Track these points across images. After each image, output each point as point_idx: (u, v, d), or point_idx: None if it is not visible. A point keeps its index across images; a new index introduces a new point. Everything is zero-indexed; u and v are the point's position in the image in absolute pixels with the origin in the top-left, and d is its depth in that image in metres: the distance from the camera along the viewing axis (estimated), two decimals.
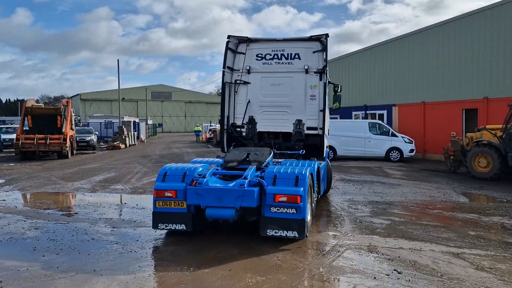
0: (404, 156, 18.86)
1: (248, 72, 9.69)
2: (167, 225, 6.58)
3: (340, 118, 24.05)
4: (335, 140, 19.38)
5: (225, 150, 9.55)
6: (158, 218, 6.60)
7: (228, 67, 9.69)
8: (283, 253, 5.88)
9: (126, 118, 43.99)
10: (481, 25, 18.58)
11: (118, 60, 41.82)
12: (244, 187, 6.16)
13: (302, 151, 9.05)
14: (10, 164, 18.88)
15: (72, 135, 24.07)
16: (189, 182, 6.49)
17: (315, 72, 9.58)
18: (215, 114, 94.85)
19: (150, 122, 61.58)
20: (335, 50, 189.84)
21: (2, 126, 38.81)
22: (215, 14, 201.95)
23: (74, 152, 24.51)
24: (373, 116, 22.93)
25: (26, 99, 23.22)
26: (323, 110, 9.43)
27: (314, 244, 6.31)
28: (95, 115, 54.24)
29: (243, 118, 9.70)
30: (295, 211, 6.09)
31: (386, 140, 19.01)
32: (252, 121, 9.63)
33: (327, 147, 10.17)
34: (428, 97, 20.60)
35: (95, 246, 6.29)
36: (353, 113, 24.30)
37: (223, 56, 9.62)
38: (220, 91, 11.08)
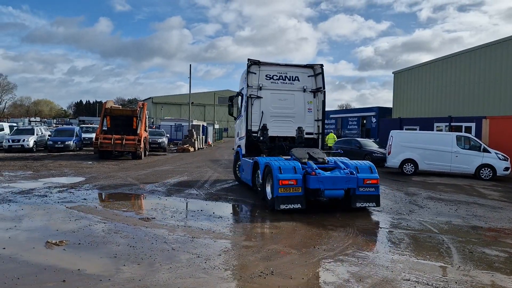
0: (497, 174, 16.88)
1: (260, 89, 12.28)
2: (287, 205, 8.78)
3: (419, 130, 22.38)
4: (416, 153, 17.95)
5: (245, 152, 12.32)
6: (281, 200, 8.75)
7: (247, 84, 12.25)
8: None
9: (195, 122, 44.91)
10: None
11: (190, 65, 42.89)
12: (350, 174, 9.15)
13: (341, 151, 13.92)
14: (89, 163, 19.61)
15: (146, 137, 24.71)
16: (308, 173, 8.99)
17: (310, 91, 12.62)
18: None
19: (216, 126, 62.63)
20: (403, 59, 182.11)
21: (83, 125, 41.26)
22: (281, 23, 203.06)
23: (147, 153, 25.12)
24: (459, 129, 20.96)
25: (105, 101, 24.19)
26: (317, 120, 12.67)
27: (421, 275, 5.36)
28: (165, 117, 56.10)
29: (259, 125, 12.20)
30: (374, 190, 9.48)
31: (476, 156, 17.14)
32: (265, 128, 12.14)
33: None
34: None
35: (176, 258, 5.85)
36: (435, 124, 22.43)
37: (246, 74, 12.27)
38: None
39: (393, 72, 33.52)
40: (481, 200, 11.95)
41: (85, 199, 10.23)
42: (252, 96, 12.23)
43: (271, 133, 12.23)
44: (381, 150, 21.42)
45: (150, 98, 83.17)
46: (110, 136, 21.84)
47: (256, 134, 12.20)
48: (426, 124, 23.00)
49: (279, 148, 12.08)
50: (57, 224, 7.62)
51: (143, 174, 15.73)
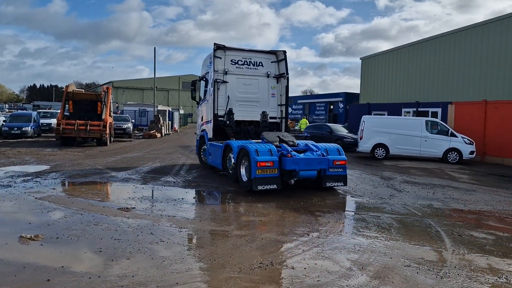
0: (464, 158, 17.46)
1: (226, 73, 12.36)
2: (264, 186, 9.08)
3: (388, 115, 22.76)
4: (387, 138, 18.23)
5: (212, 135, 12.34)
6: (258, 181, 9.04)
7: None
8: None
9: (160, 107, 43.69)
10: None
11: (154, 48, 42.27)
12: (322, 156, 9.71)
13: (308, 135, 15.28)
14: (51, 150, 18.55)
15: (111, 122, 23.70)
16: (284, 155, 9.32)
17: (274, 77, 12.92)
18: None
19: (181, 111, 61.32)
20: (363, 46, 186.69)
21: (40, 110, 39.12)
22: (244, 8, 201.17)
23: (112, 139, 24.13)
24: (426, 114, 21.48)
25: (68, 84, 22.89)
26: (281, 105, 13.04)
27: (420, 261, 5.31)
28: (128, 102, 54.24)
29: (225, 110, 12.28)
30: (342, 170, 10.08)
31: (444, 140, 17.62)
32: (231, 112, 12.25)
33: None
34: (491, 95, 19.05)
35: (168, 250, 5.50)
36: (403, 110, 22.86)
37: (212, 59, 12.27)
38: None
39: (360, 58, 33.87)
40: (454, 183, 12.26)
41: (54, 188, 9.57)
42: (218, 80, 12.26)
43: (237, 117, 12.41)
44: (351, 135, 21.65)
45: (110, 82, 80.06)
46: (73, 122, 20.74)
47: (222, 118, 12.32)
48: (394, 109, 23.42)
49: (245, 132, 12.40)
50: (29, 217, 7.02)
51: (112, 161, 15.02)
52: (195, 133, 15.03)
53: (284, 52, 12.75)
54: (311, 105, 39.79)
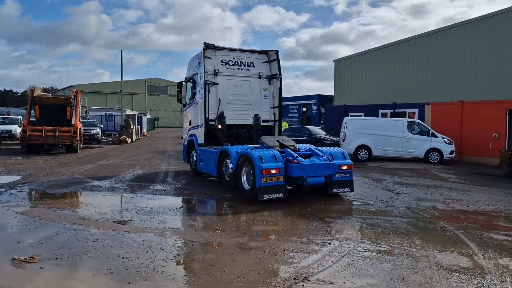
0: (444, 157, 17.71)
1: (216, 74, 11.64)
2: (270, 195, 8.38)
3: (365, 116, 22.87)
4: (370, 139, 18.24)
5: (203, 141, 11.56)
6: (264, 190, 8.32)
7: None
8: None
9: (127, 112, 42.22)
10: None
11: (121, 50, 40.50)
12: (328, 161, 9.14)
13: (306, 138, 13.81)
14: (18, 158, 17.27)
15: (80, 128, 22.47)
16: (289, 161, 8.68)
17: (265, 78, 12.29)
18: None
19: (148, 116, 59.71)
20: (323, 50, 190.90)
21: None
22: (206, 11, 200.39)
23: (81, 145, 22.88)
24: (403, 115, 21.74)
25: (33, 88, 21.50)
26: (273, 107, 12.43)
27: (457, 269, 5.03)
28: (92, 107, 52.14)
29: (217, 113, 11.59)
30: (348, 175, 9.53)
31: (425, 141, 17.82)
32: (222, 116, 11.57)
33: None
34: (467, 96, 19.49)
35: (187, 268, 4.94)
36: (380, 111, 23.04)
37: (202, 59, 11.45)
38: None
39: (334, 60, 34.10)
40: (446, 184, 12.28)
41: (34, 201, 8.72)
42: (208, 82, 11.53)
43: (228, 121, 11.72)
44: (329, 137, 21.51)
45: (71, 86, 77.01)
46: (41, 128, 19.43)
47: (213, 122, 11.61)
48: (371, 110, 23.57)
49: (237, 136, 11.79)
50: (15, 235, 6.24)
51: (89, 169, 14.07)
52: (182, 138, 14.08)
53: (277, 52, 12.17)
54: (284, 107, 39.65)
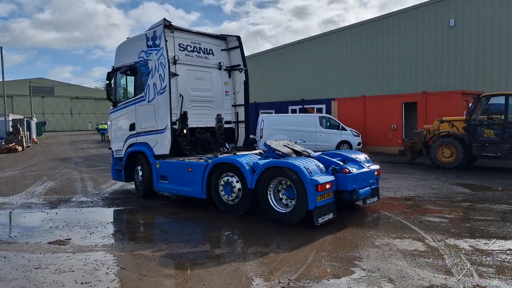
0: (353, 149, 19.05)
1: (175, 62, 9.08)
2: (324, 217, 6.68)
3: (275, 113, 23.57)
4: (286, 135, 18.72)
5: (169, 151, 8.77)
6: (319, 212, 6.58)
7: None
8: None
9: (11, 116, 37.63)
10: (419, 22, 19.67)
11: (1, 48, 35.53)
12: (370, 168, 7.76)
13: (304, 141, 11.30)
14: None
15: None
16: (337, 171, 7.03)
17: (225, 69, 10.21)
18: (106, 111, 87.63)
19: (35, 120, 54.00)
20: None
21: None
22: (89, 7, 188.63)
23: None
24: (311, 110, 22.90)
25: None
26: (235, 106, 10.45)
27: (417, 251, 5.41)
28: None
29: (180, 113, 8.99)
30: (376, 182, 8.15)
31: (336, 134, 18.96)
32: (185, 117, 9.05)
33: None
34: (369, 91, 21.18)
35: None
36: (290, 107, 23.96)
37: (161, 39, 8.70)
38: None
39: None
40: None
41: None
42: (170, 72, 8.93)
43: (191, 123, 9.26)
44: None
45: None
46: None
47: (175, 126, 8.94)
48: (281, 107, 24.35)
49: (202, 143, 9.51)
50: None
51: None
52: (110, 149, 10.74)
53: (238, 38, 10.15)
54: None
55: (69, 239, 6.37)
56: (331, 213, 6.84)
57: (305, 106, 23.36)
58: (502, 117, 12.93)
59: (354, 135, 19.20)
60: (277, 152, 7.78)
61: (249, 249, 5.81)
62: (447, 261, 5.12)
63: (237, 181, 7.50)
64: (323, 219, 6.63)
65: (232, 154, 8.39)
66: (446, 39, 20.74)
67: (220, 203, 7.84)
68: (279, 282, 4.52)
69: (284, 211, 6.88)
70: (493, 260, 5.15)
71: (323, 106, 22.46)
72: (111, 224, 7.30)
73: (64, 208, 8.72)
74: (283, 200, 6.99)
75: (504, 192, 9.70)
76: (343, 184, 6.94)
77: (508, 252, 5.42)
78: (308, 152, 7.99)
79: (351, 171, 7.13)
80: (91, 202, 9.30)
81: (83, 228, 7.03)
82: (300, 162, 6.80)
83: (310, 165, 6.80)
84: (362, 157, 8.12)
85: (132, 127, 9.64)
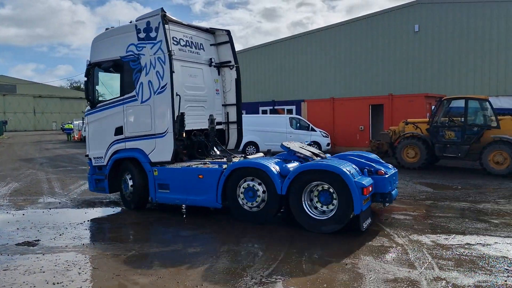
0: (322, 149, 19.43)
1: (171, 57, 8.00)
2: (366, 222, 6.50)
3: (246, 114, 23.72)
4: (257, 136, 18.97)
5: (170, 157, 7.83)
6: (364, 217, 6.38)
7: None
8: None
9: None
10: (386, 27, 20.33)
11: None
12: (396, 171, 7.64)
13: (311, 142, 10.50)
14: None
15: None
16: (372, 172, 6.81)
17: (214, 66, 9.37)
18: (71, 110, 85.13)
19: None
20: None
21: None
22: (53, 3, 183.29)
23: None
24: (282, 111, 23.22)
25: None
26: (225, 105, 9.61)
27: (382, 246, 5.68)
28: None
29: (177, 114, 7.99)
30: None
31: (305, 135, 19.24)
32: (183, 119, 8.08)
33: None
34: (337, 93, 21.65)
35: None
36: (260, 108, 24.18)
37: (160, 31, 7.76)
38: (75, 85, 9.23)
39: None
40: None
41: None
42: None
43: (187, 125, 8.29)
44: None
45: None
46: None
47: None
48: (251, 108, 24.48)
49: (198, 146, 8.76)
50: None
51: None
52: (86, 155, 9.21)
53: (228, 32, 9.39)
54: None
55: (38, 240, 6.28)
56: (369, 218, 6.67)
57: (275, 107, 23.64)
58: (462, 119, 13.57)
59: (324, 136, 19.60)
60: (298, 154, 7.30)
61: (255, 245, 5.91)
62: (410, 256, 5.40)
63: (259, 184, 6.95)
64: (365, 224, 6.42)
65: (243, 158, 7.95)
66: (411, 44, 21.55)
67: (238, 211, 7.17)
68: (251, 278, 4.65)
69: (321, 218, 6.46)
70: (452, 254, 5.47)
71: (293, 107, 22.81)
72: (81, 225, 7.21)
73: (30, 209, 8.54)
74: (318, 206, 6.55)
75: (463, 191, 10.21)
76: (381, 186, 6.71)
77: (466, 246, 5.77)
78: (324, 155, 7.66)
79: (386, 173, 6.87)
80: (59, 203, 9.14)
81: (52, 229, 6.93)
82: (340, 165, 6.38)
83: (350, 167, 6.45)
84: (374, 156, 7.87)
85: (118, 131, 8.41)
